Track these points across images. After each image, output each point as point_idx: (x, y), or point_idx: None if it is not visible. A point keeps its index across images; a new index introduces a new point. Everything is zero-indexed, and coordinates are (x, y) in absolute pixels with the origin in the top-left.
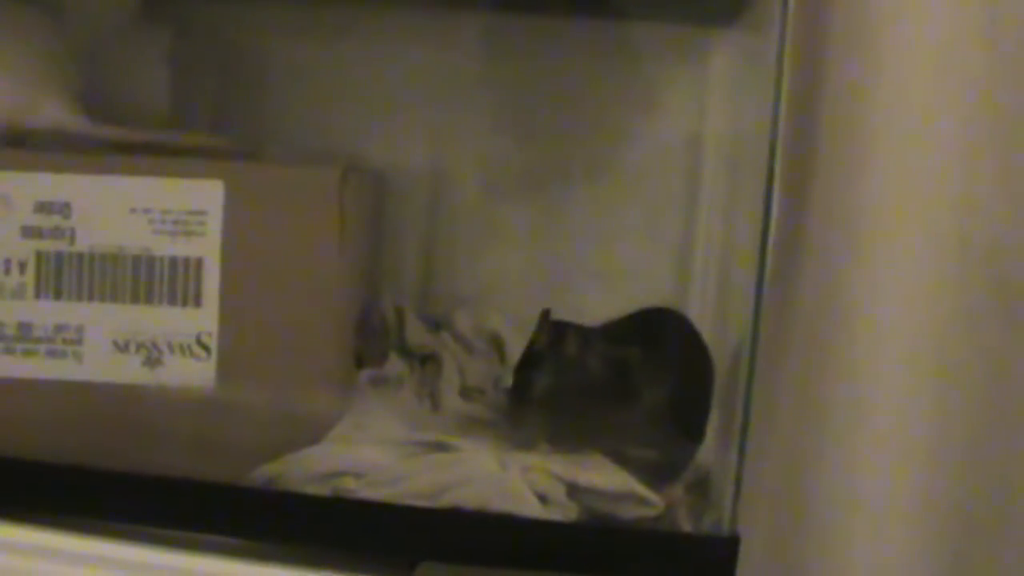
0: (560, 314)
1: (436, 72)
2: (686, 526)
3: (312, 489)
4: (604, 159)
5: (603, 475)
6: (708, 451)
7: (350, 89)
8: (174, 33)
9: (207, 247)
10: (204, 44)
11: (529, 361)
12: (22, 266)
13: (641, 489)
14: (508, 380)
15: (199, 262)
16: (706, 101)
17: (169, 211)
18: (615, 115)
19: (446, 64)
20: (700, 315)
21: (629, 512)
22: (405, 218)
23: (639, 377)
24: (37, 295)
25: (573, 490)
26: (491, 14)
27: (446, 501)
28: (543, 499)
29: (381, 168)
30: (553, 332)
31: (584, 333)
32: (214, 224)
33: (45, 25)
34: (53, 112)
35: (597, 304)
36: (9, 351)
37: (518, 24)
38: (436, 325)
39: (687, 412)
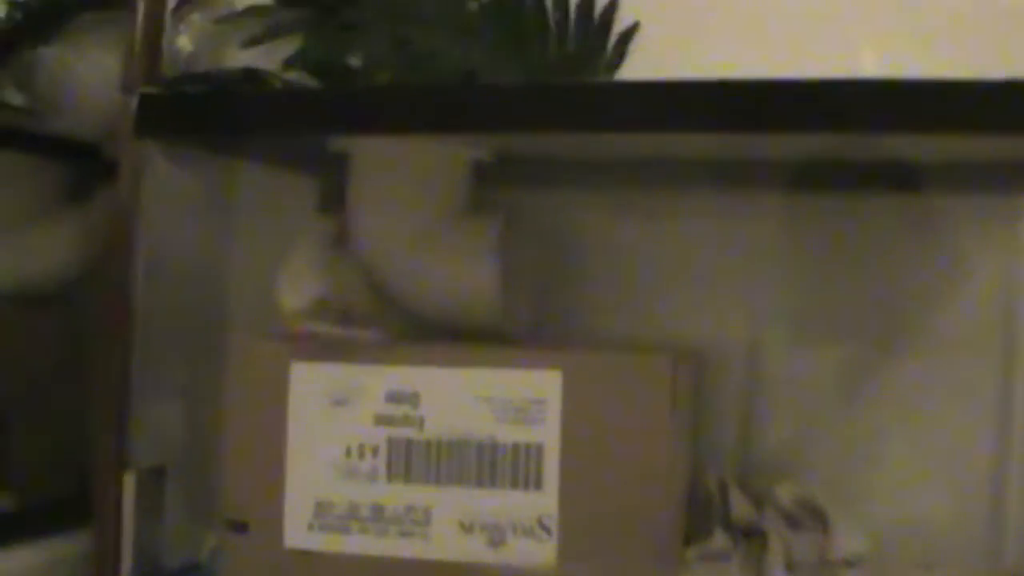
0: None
1: (747, 249)
2: None
3: None
4: (915, 329)
5: None
6: None
7: (664, 268)
8: (502, 223)
9: (547, 433)
10: (530, 232)
11: None
12: (375, 451)
13: None
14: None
15: (540, 448)
16: (1017, 268)
17: (511, 400)
18: (925, 286)
19: (757, 241)
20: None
21: None
22: (722, 390)
23: None
24: (388, 479)
25: None
26: (798, 192)
27: None
28: None
29: (698, 343)
30: None
31: None
32: (553, 411)
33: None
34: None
35: (908, 473)
36: (364, 531)
37: (826, 200)
38: (758, 497)
39: None
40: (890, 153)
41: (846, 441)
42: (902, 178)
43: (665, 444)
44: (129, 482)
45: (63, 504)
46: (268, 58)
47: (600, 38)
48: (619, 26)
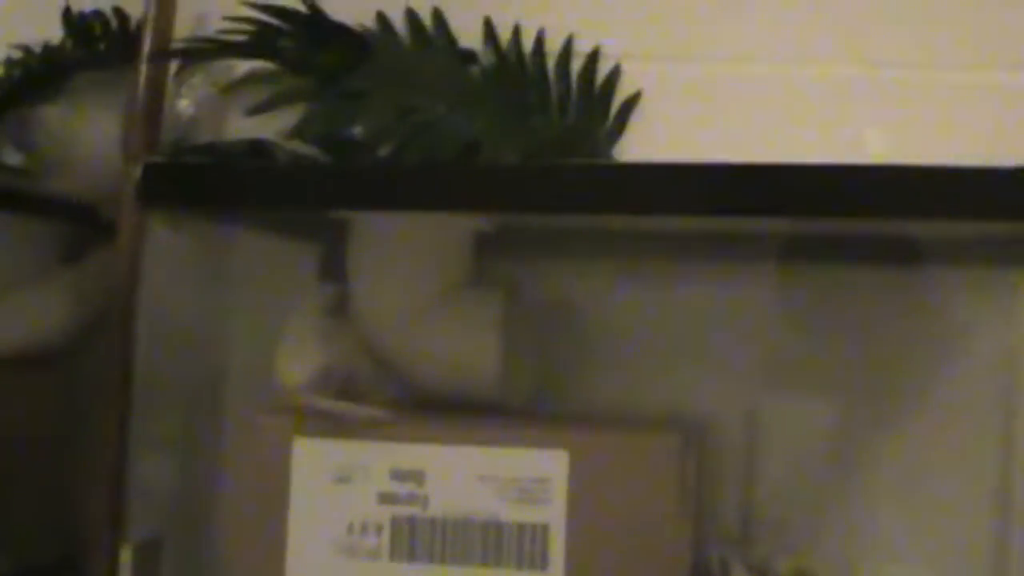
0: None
1: (746, 317)
2: None
3: None
4: (914, 400)
5: None
6: None
7: (663, 336)
8: (504, 295)
9: (552, 513)
10: (531, 303)
11: None
12: (378, 529)
13: None
14: None
15: (545, 528)
16: (1016, 339)
17: (516, 479)
18: (923, 356)
19: (755, 309)
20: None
21: None
22: (721, 460)
23: None
24: (391, 557)
25: None
26: (799, 262)
27: None
28: None
29: (697, 412)
30: None
31: None
32: (559, 491)
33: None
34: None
35: (907, 545)
36: None
37: (823, 269)
38: (758, 570)
39: None
40: (889, 230)
41: (845, 512)
42: (900, 251)
43: (672, 525)
44: (126, 555)
45: (56, 569)
46: (271, 123)
47: (601, 108)
48: (621, 96)
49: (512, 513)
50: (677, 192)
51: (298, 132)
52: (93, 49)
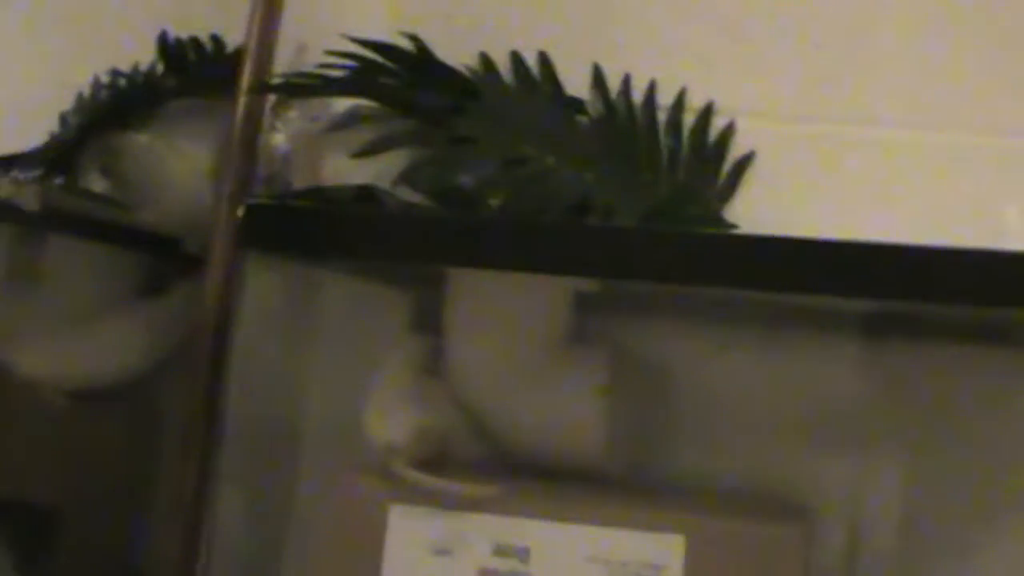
0: None
1: (855, 395)
2: None
3: None
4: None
5: None
6: None
7: (767, 410)
8: (609, 355)
9: None
10: (633, 365)
11: None
12: None
13: None
14: None
15: None
16: None
17: (628, 563)
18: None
19: (864, 387)
20: None
21: None
22: (822, 546)
23: None
24: None
25: None
26: (901, 341)
27: None
28: None
29: (798, 492)
30: None
31: None
32: None
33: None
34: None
35: None
36: None
37: (934, 349)
38: None
39: None
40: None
41: None
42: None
43: None
44: None
45: None
46: (369, 164)
47: (714, 166)
48: (735, 154)
49: None
50: (797, 268)
51: (406, 179)
52: (187, 77)
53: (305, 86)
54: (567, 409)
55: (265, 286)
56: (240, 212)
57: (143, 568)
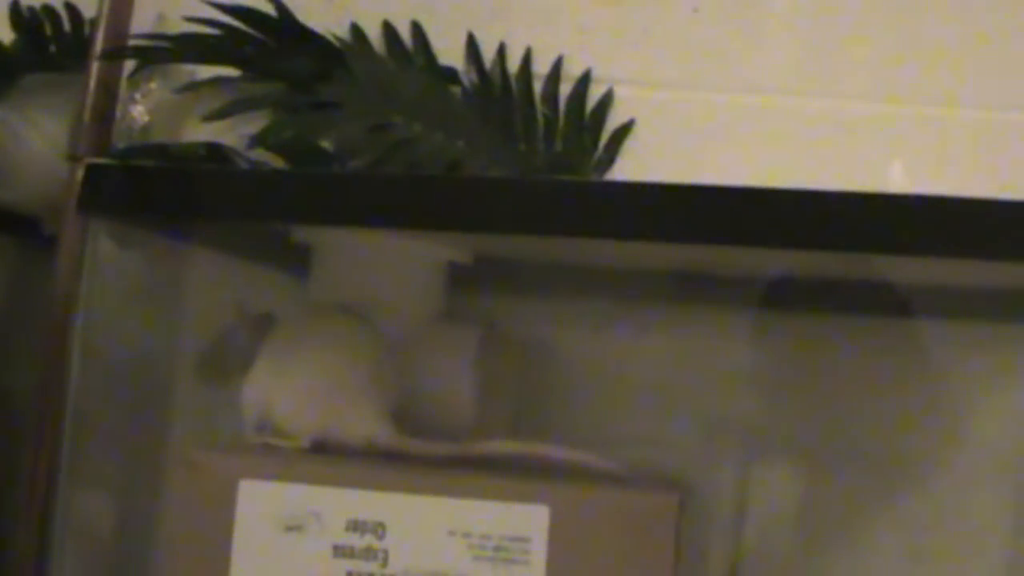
0: None
1: (732, 367)
2: None
3: None
4: (917, 464)
5: None
6: None
7: (641, 386)
8: (480, 333)
9: None
10: (507, 343)
11: None
12: None
13: None
14: None
15: None
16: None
17: (489, 536)
18: (927, 417)
19: (743, 358)
20: None
21: None
22: (704, 523)
23: None
24: None
25: None
26: (794, 309)
27: None
28: None
29: (679, 467)
30: None
31: None
32: (538, 552)
33: (368, 335)
34: (364, 424)
35: None
36: None
37: (818, 319)
38: None
39: None
40: (896, 274)
41: None
42: (906, 300)
43: None
44: None
45: None
46: (231, 134)
47: (591, 135)
48: (612, 123)
49: (484, 574)
50: (673, 215)
51: (262, 139)
52: (42, 49)
53: (160, 50)
54: (436, 386)
55: (123, 263)
56: (80, 174)
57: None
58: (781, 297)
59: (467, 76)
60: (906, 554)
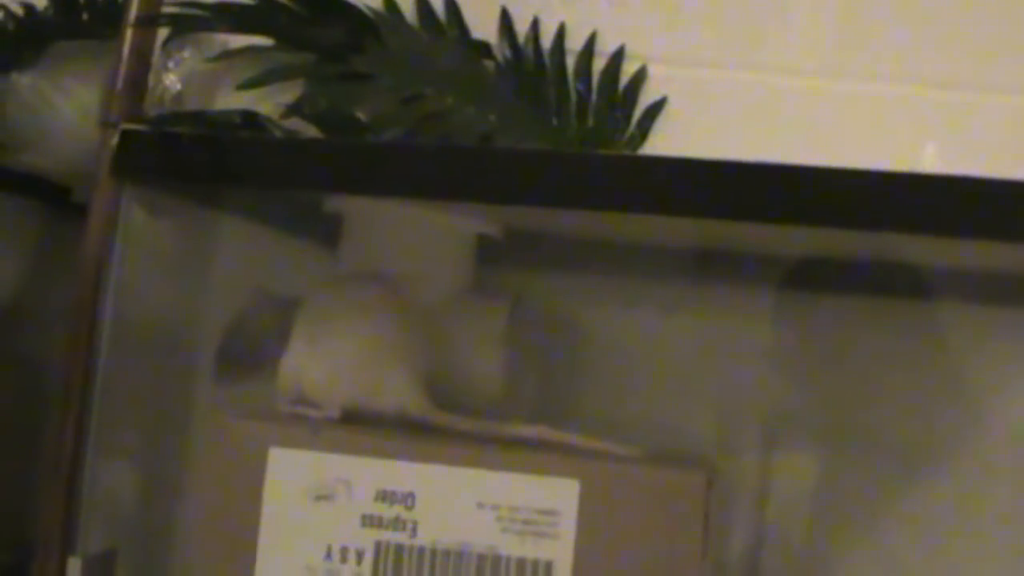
0: None
1: (760, 348)
2: None
3: None
4: (940, 451)
5: None
6: None
7: (665, 365)
8: (510, 308)
9: (558, 550)
10: (534, 318)
11: None
12: (359, 556)
13: None
14: None
15: (549, 566)
16: None
17: (519, 509)
18: (948, 403)
19: (770, 340)
20: None
21: None
22: (727, 501)
23: None
24: None
25: None
26: (812, 295)
27: None
28: None
29: (704, 446)
30: None
31: None
32: (567, 525)
33: (401, 305)
34: (397, 396)
35: None
36: None
37: (844, 300)
38: None
39: None
40: (918, 255)
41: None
42: (922, 284)
43: (694, 572)
44: (74, 568)
45: None
46: (263, 104)
47: (624, 112)
48: (645, 100)
49: (512, 547)
50: (704, 190)
51: (296, 109)
52: (75, 16)
53: (193, 18)
54: (463, 358)
55: (154, 231)
56: (114, 140)
57: (29, 535)
58: (808, 278)
59: (500, 50)
60: (927, 536)
